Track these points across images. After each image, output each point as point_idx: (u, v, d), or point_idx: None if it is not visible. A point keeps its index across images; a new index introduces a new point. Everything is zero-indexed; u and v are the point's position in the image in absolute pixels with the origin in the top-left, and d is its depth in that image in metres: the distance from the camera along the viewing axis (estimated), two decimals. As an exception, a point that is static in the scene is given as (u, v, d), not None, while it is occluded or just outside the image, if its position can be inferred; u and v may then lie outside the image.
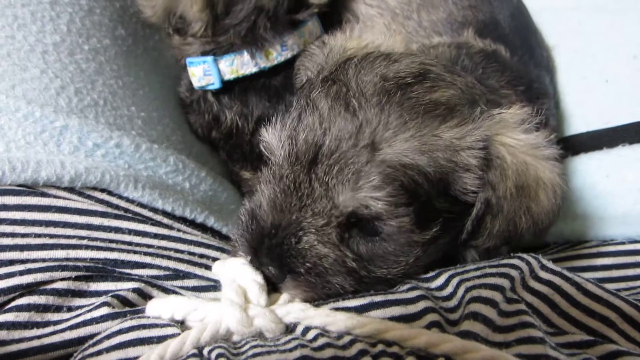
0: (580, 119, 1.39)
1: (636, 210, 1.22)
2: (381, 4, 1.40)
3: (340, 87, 0.92)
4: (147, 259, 0.98)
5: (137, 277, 0.97)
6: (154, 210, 1.11)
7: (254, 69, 1.33)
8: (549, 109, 1.24)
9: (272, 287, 0.93)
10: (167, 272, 1.00)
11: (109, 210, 1.04)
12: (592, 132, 1.34)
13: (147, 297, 0.95)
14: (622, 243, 1.18)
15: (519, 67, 1.21)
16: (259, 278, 0.90)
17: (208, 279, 1.03)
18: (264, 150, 0.99)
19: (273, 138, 0.96)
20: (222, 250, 1.10)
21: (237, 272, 0.91)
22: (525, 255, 0.95)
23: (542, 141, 0.94)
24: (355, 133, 0.87)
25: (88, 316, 0.89)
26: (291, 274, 0.92)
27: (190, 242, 1.08)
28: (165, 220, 1.12)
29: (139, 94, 1.34)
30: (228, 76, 1.34)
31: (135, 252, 0.98)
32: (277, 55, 1.32)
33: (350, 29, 1.14)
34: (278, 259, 0.92)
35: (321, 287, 0.92)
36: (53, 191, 1.02)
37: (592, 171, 1.30)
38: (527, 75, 1.21)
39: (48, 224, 0.97)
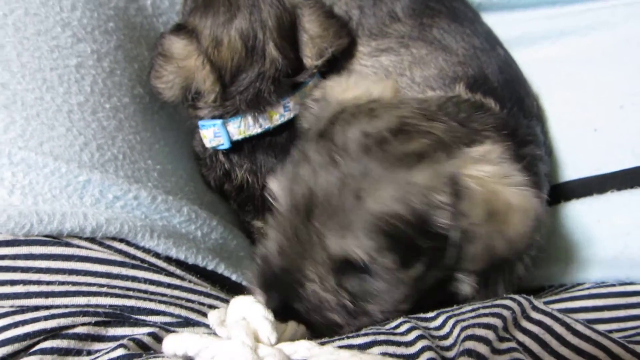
0: (572, 166, 1.46)
1: (626, 254, 1.27)
2: (375, 63, 1.50)
3: (327, 142, 1.03)
4: (161, 307, 1.05)
5: (151, 323, 1.03)
6: (168, 260, 1.18)
7: (259, 130, 1.44)
8: (537, 154, 1.30)
9: (281, 318, 1.01)
10: (179, 320, 1.05)
11: (127, 260, 1.11)
12: (582, 179, 1.40)
13: (161, 341, 0.99)
14: (613, 285, 1.23)
15: (505, 116, 1.28)
16: (270, 316, 0.96)
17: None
18: (269, 198, 1.09)
19: (277, 188, 1.06)
20: (229, 302, 1.17)
21: (248, 311, 0.97)
22: (517, 296, 1.01)
23: (509, 170, 1.01)
24: (341, 186, 0.97)
25: (105, 357, 0.94)
26: (294, 315, 1.02)
27: (201, 293, 1.14)
28: (178, 272, 1.18)
29: (155, 148, 1.44)
30: (236, 137, 1.44)
31: (150, 300, 1.05)
32: (279, 116, 1.43)
33: (347, 77, 1.23)
34: (284, 302, 1.02)
35: (320, 324, 1.02)
36: (76, 241, 1.09)
37: (583, 216, 1.36)
38: (513, 123, 1.28)
39: (71, 272, 1.04)
